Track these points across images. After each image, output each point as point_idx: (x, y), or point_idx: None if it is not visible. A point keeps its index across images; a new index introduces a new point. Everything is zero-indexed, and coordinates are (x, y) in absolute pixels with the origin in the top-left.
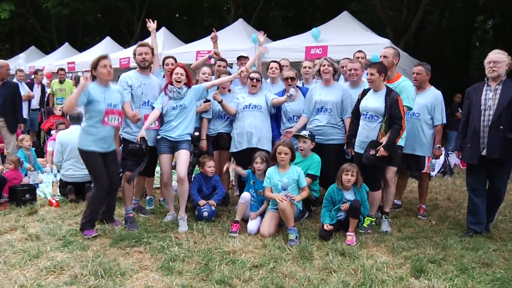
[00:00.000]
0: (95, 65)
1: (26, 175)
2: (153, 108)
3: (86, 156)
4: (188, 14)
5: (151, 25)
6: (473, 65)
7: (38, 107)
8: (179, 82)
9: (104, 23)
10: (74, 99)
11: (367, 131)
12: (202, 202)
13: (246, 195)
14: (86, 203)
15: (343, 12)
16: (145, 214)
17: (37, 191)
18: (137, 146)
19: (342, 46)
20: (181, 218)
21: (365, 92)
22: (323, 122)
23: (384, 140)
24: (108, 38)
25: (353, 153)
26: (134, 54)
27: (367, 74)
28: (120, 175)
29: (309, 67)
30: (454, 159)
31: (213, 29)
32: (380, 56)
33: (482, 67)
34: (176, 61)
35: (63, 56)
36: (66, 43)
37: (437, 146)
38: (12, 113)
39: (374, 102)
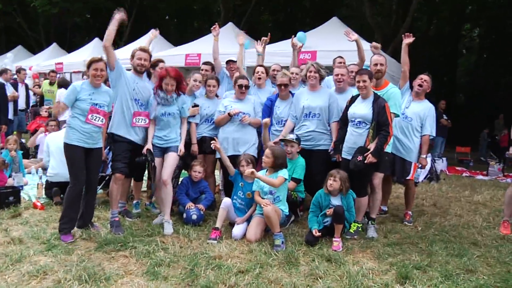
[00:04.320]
0: (88, 66)
1: (10, 176)
2: (143, 108)
3: (69, 149)
4: (178, 16)
5: (155, 33)
6: (459, 72)
7: (25, 107)
8: (169, 91)
9: (93, 24)
10: (111, 31)
11: (355, 137)
12: (190, 204)
13: (227, 200)
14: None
15: (332, 17)
16: (131, 218)
17: (22, 194)
18: (143, 158)
19: (331, 52)
20: (166, 221)
21: (353, 99)
22: (312, 127)
23: (371, 146)
24: (97, 39)
25: (340, 159)
26: (133, 56)
27: (357, 81)
28: (109, 177)
29: (296, 73)
30: (440, 165)
31: (216, 23)
32: (376, 64)
33: (469, 74)
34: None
35: (50, 57)
36: (54, 43)
37: (424, 155)
38: None
39: (362, 109)
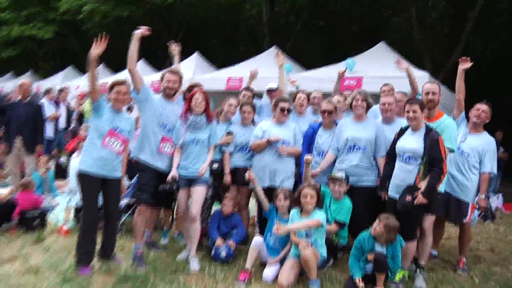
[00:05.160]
0: (110, 89)
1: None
2: (171, 133)
3: (82, 176)
4: (223, 40)
5: (176, 48)
6: None
7: (66, 126)
8: (199, 109)
9: (141, 45)
10: (133, 51)
11: (404, 174)
12: (219, 241)
13: (258, 239)
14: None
15: (379, 42)
16: (157, 249)
17: (51, 215)
18: (166, 188)
19: (378, 78)
20: (193, 256)
21: (402, 131)
22: (356, 161)
23: (422, 185)
24: (142, 60)
25: (386, 198)
26: (162, 78)
27: (407, 111)
28: (133, 207)
29: (339, 101)
30: (495, 201)
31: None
32: (428, 93)
33: None
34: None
35: (98, 77)
36: (102, 64)
37: (482, 196)
38: (31, 133)
39: (413, 142)
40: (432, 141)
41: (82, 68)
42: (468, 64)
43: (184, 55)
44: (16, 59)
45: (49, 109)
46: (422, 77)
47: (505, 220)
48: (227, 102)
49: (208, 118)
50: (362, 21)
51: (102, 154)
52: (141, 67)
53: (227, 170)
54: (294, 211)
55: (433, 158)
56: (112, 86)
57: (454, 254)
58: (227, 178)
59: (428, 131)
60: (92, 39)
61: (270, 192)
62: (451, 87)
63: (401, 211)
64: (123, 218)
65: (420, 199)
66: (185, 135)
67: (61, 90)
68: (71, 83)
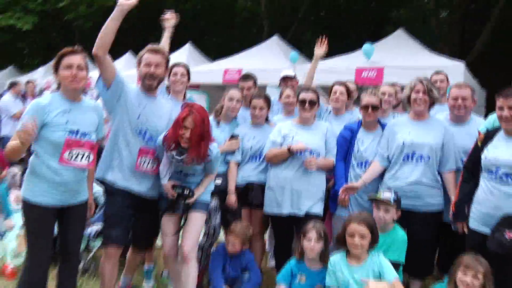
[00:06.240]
0: (56, 64)
1: None
2: (152, 143)
3: (29, 209)
4: (218, 30)
5: (171, 19)
6: None
7: None
8: (184, 144)
9: (132, 38)
10: (110, 28)
11: (498, 198)
12: None
13: None
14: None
15: (398, 29)
16: None
17: None
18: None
19: (403, 69)
20: None
21: (489, 136)
22: (416, 176)
23: None
24: (128, 53)
25: (466, 230)
26: (139, 63)
27: (499, 107)
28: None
29: (390, 94)
30: None
31: None
32: None
33: None
34: (188, 72)
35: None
36: (88, 58)
37: None
38: None
39: (511, 152)
40: None
41: None
42: None
43: (176, 46)
44: None
45: (15, 105)
46: (457, 66)
47: None
48: (227, 96)
49: (196, 158)
50: (363, 13)
51: (60, 176)
52: (127, 60)
53: (231, 186)
54: (337, 257)
55: None
56: (59, 60)
57: None
58: (231, 199)
59: None
60: (75, 31)
61: (292, 222)
62: (479, 77)
63: (494, 253)
64: (94, 250)
65: None
66: (169, 170)
67: (27, 82)
68: (53, 79)
